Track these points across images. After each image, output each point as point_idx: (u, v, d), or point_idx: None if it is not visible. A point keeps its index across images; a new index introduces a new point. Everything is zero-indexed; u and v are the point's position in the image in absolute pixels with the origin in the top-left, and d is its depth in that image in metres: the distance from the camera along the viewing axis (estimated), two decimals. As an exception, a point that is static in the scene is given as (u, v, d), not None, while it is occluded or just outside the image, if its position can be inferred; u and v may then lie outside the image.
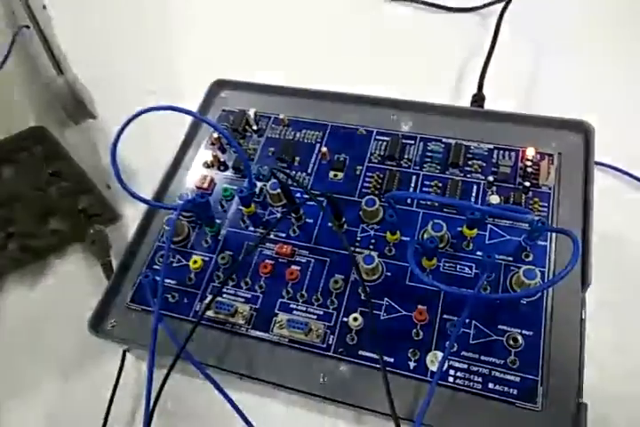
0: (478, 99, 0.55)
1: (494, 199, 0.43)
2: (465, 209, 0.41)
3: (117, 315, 0.44)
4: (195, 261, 0.44)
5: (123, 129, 0.39)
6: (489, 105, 0.53)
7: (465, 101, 0.55)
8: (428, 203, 0.45)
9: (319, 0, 0.72)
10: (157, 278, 0.42)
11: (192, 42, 0.71)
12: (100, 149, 0.61)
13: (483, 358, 0.38)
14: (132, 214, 0.57)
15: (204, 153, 0.51)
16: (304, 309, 0.42)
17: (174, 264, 0.45)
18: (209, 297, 0.43)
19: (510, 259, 0.42)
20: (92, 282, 0.53)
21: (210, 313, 0.41)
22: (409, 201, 0.46)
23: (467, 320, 0.39)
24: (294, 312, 0.42)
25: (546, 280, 0.40)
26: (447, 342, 0.39)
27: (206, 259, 0.45)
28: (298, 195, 0.47)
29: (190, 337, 0.36)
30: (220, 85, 0.55)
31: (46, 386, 0.48)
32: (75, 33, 0.71)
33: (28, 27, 0.56)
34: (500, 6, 0.63)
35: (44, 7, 0.73)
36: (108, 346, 0.45)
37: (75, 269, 0.55)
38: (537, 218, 0.38)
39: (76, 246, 0.56)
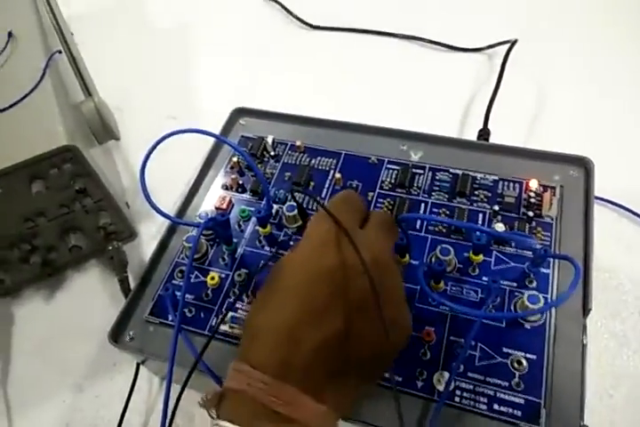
0: (484, 133, 0.58)
1: (499, 227, 0.45)
2: (471, 230, 0.43)
3: (136, 327, 0.45)
4: (212, 278, 0.46)
5: (153, 149, 0.41)
6: (494, 139, 0.56)
7: (471, 136, 0.58)
8: (437, 229, 0.48)
9: (336, 38, 0.76)
10: (177, 293, 0.44)
11: (213, 71, 0.74)
12: (119, 168, 0.64)
13: (488, 379, 0.40)
14: (148, 233, 0.59)
15: (223, 176, 0.54)
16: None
17: (192, 280, 0.47)
18: (224, 312, 0.44)
19: (514, 285, 0.44)
20: (108, 296, 0.55)
21: (225, 328, 0.43)
22: (418, 226, 0.48)
23: (473, 343, 0.41)
24: (307, 330, 0.43)
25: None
26: (454, 363, 0.40)
27: (223, 276, 0.47)
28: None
29: (206, 347, 0.37)
30: (239, 113, 0.58)
31: (60, 397, 0.49)
32: (99, 59, 0.75)
33: (60, 52, 0.59)
34: (502, 48, 0.67)
35: (72, 34, 0.77)
36: (122, 359, 0.47)
37: (92, 284, 0.57)
38: (540, 246, 0.40)
39: (93, 262, 0.58)
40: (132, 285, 0.51)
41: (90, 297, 0.55)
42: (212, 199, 0.52)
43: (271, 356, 0.31)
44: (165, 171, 0.61)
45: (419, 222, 0.48)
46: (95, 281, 0.57)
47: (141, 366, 0.48)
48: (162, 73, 0.75)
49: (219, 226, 0.44)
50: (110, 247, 0.55)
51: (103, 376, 0.50)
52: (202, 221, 0.47)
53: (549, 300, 0.43)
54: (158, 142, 0.41)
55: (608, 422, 0.40)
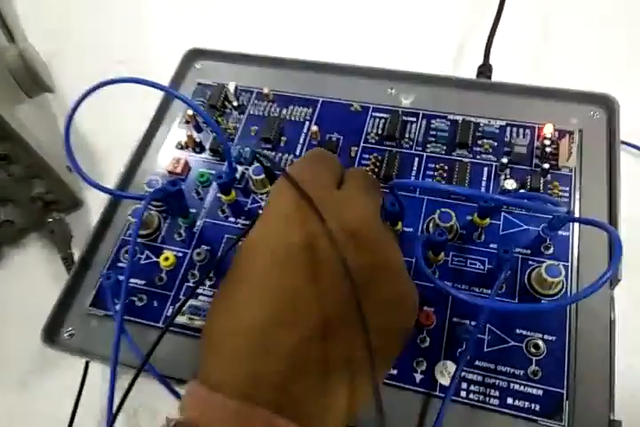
0: (485, 69, 0.49)
1: (510, 184, 0.37)
2: (486, 200, 0.35)
3: (76, 322, 0.38)
4: (166, 258, 0.38)
5: (79, 103, 0.32)
6: (497, 77, 0.48)
7: (470, 73, 0.49)
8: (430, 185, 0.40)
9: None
10: (122, 279, 0.36)
11: (164, 6, 0.63)
12: (59, 126, 0.54)
13: (499, 368, 0.33)
14: (97, 199, 0.51)
15: (177, 132, 0.45)
16: (293, 312, 0.36)
17: (142, 261, 0.39)
18: (182, 300, 0.37)
19: (528, 252, 0.37)
20: (52, 276, 0.48)
21: (183, 319, 0.35)
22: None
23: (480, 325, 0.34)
24: (281, 316, 0.36)
25: (570, 277, 0.35)
26: (459, 352, 0.34)
27: (179, 255, 0.39)
28: (284, 180, 0.41)
29: (153, 350, 0.30)
30: (194, 55, 0.48)
31: (1, 397, 0.42)
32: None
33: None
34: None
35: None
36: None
37: (33, 263, 0.49)
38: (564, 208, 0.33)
39: (34, 236, 0.50)
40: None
41: (31, 278, 0.48)
42: (164, 161, 0.43)
43: (235, 371, 0.24)
44: (113, 127, 0.53)
45: (412, 179, 0.40)
46: (36, 259, 0.49)
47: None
48: (104, 10, 0.64)
49: (169, 197, 0.36)
50: (50, 220, 0.47)
51: (50, 371, 0.43)
52: (150, 190, 0.39)
53: (570, 270, 0.36)
54: (86, 94, 0.33)
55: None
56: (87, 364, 0.40)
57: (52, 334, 0.37)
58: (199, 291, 0.37)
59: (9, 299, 0.47)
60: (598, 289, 0.26)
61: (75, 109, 0.33)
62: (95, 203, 0.50)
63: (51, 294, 0.42)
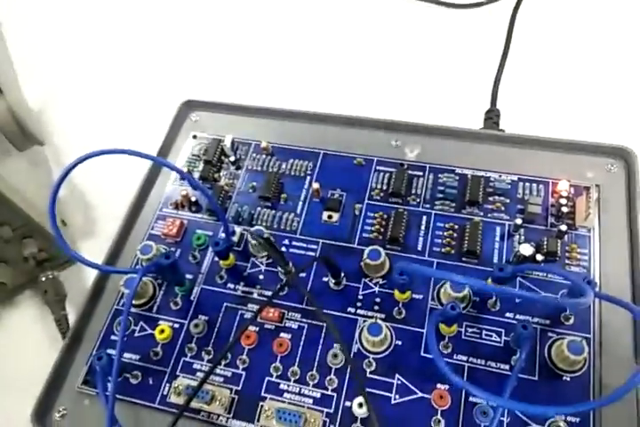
0: (493, 115, 0.47)
1: (526, 250, 0.35)
2: (514, 297, 0.33)
3: (67, 401, 0.35)
4: (162, 330, 0.36)
5: (63, 178, 0.31)
6: (505, 124, 0.46)
7: (477, 119, 0.47)
8: (444, 250, 0.38)
9: (303, 12, 0.63)
10: (113, 353, 0.34)
11: (160, 58, 0.61)
12: (51, 178, 0.52)
13: (521, 454, 0.31)
14: (92, 252, 0.48)
15: (172, 190, 0.43)
16: (296, 390, 0.34)
17: (136, 334, 0.37)
18: (179, 376, 0.35)
19: (547, 322, 0.34)
20: (46, 336, 0.46)
21: (180, 400, 0.33)
22: (420, 248, 0.38)
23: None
24: (285, 395, 0.34)
25: (592, 351, 0.33)
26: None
27: (176, 326, 0.37)
28: (286, 242, 0.39)
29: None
30: (190, 106, 0.46)
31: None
32: (28, 50, 0.62)
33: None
34: (507, 1, 0.55)
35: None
36: None
37: (26, 323, 0.47)
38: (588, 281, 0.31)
39: (28, 294, 0.48)
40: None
41: (24, 339, 0.46)
42: (159, 223, 0.41)
43: None
44: (109, 178, 0.51)
45: (420, 241, 0.38)
46: (30, 319, 0.47)
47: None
48: (97, 60, 0.62)
49: (164, 270, 0.34)
50: (43, 279, 0.45)
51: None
52: (144, 258, 0.37)
53: (592, 344, 0.33)
54: (70, 168, 0.31)
55: None
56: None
57: (42, 415, 0.35)
58: (196, 366, 0.35)
59: (3, 359, 0.45)
60: (630, 390, 0.24)
61: (59, 184, 0.31)
62: (91, 256, 0.48)
63: (44, 357, 0.40)
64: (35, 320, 0.47)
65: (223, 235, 0.38)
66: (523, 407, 0.26)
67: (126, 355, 0.36)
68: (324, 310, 0.36)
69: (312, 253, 0.39)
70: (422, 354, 0.34)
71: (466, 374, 0.33)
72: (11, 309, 0.48)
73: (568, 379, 0.33)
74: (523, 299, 0.35)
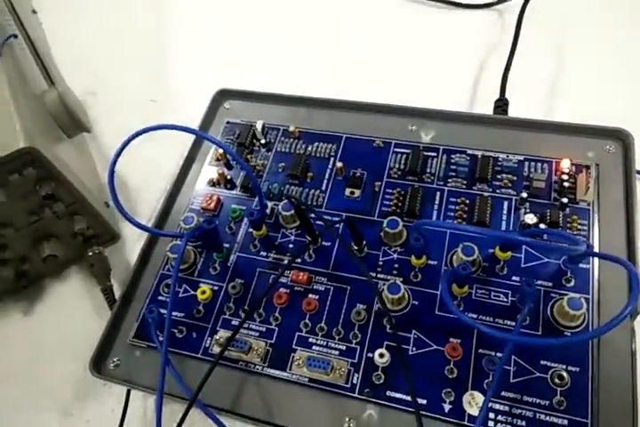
0: (502, 104, 0.51)
1: (530, 218, 0.39)
2: (510, 241, 0.37)
3: (120, 353, 0.40)
4: (203, 291, 0.40)
5: (120, 152, 0.35)
6: (513, 112, 0.49)
7: (487, 108, 0.51)
8: (456, 221, 0.41)
9: (327, 4, 0.68)
10: (163, 312, 0.38)
11: (195, 49, 0.66)
12: (96, 163, 0.57)
13: (525, 398, 0.35)
14: (133, 233, 0.53)
15: (208, 170, 0.47)
16: (324, 343, 0.38)
17: (180, 295, 0.41)
18: (220, 331, 0.39)
19: (550, 284, 0.38)
20: (93, 308, 0.50)
21: (219, 350, 0.37)
22: (434, 218, 0.42)
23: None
24: (314, 348, 0.38)
25: (591, 309, 0.37)
26: (486, 383, 0.35)
27: (215, 288, 0.41)
28: (312, 215, 0.43)
29: (202, 387, 0.32)
30: (223, 95, 0.51)
31: (46, 425, 0.44)
32: (67, 41, 0.67)
33: (15, 36, 0.52)
34: (516, 1, 0.59)
35: (34, 12, 0.70)
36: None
37: (74, 294, 0.51)
38: (584, 243, 0.34)
39: (74, 269, 0.53)
40: (118, 294, 0.45)
41: (73, 309, 0.50)
42: (198, 198, 0.46)
43: None
44: (147, 165, 0.55)
45: (435, 214, 0.42)
46: (78, 291, 0.51)
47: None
48: (136, 53, 0.67)
49: (205, 235, 0.38)
50: (90, 253, 0.49)
51: (93, 399, 0.45)
52: (187, 227, 0.41)
53: (591, 302, 0.37)
54: (125, 144, 0.36)
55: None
56: (129, 392, 0.42)
57: (99, 364, 0.39)
58: (234, 322, 0.39)
59: (52, 329, 0.49)
60: (618, 324, 0.27)
61: (116, 158, 0.36)
62: (131, 236, 0.52)
63: (92, 325, 0.45)
64: (81, 292, 0.51)
65: (257, 207, 0.42)
66: (525, 339, 0.30)
67: (172, 313, 0.40)
68: (350, 275, 0.40)
69: (335, 227, 0.42)
70: (437, 312, 0.38)
71: (476, 331, 0.37)
72: (59, 282, 0.53)
73: (569, 334, 0.36)
74: (534, 247, 0.39)
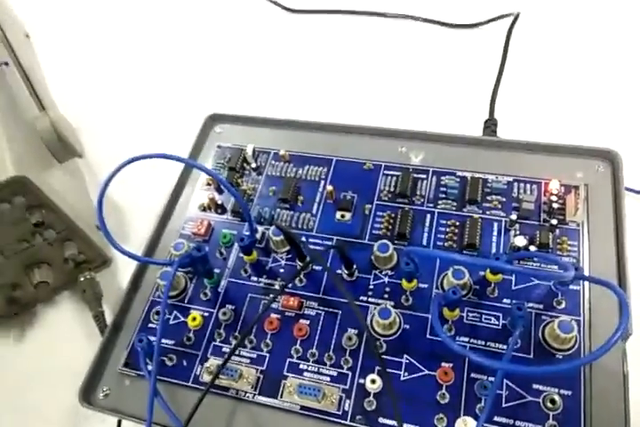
0: (491, 124, 0.51)
1: (520, 241, 0.39)
2: (501, 271, 0.37)
3: (110, 382, 0.40)
4: (193, 318, 0.40)
5: (108, 182, 0.35)
6: (502, 132, 0.50)
7: (477, 128, 0.51)
8: (446, 244, 0.42)
9: (316, 28, 0.68)
10: (153, 339, 0.38)
11: (186, 74, 0.67)
12: (88, 187, 0.57)
13: (518, 423, 0.34)
14: (125, 258, 0.53)
15: (199, 194, 0.47)
16: (315, 370, 0.38)
17: (171, 322, 0.41)
18: (210, 358, 0.39)
19: (541, 306, 0.38)
20: (85, 333, 0.50)
21: (209, 378, 0.37)
22: (425, 242, 0.42)
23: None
24: (305, 374, 0.38)
25: (583, 331, 0.37)
26: (479, 408, 0.35)
27: (206, 314, 0.41)
28: (303, 239, 0.43)
29: (191, 418, 0.32)
30: (214, 119, 0.51)
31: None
32: (60, 65, 0.68)
33: (7, 64, 0.52)
34: (503, 22, 0.60)
35: (27, 36, 0.70)
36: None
37: (66, 320, 0.51)
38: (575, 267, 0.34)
39: (66, 294, 0.53)
40: (110, 319, 0.45)
41: (64, 335, 0.50)
42: (189, 223, 0.46)
43: None
44: (138, 190, 0.55)
45: (425, 237, 0.42)
46: (69, 317, 0.51)
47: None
48: (127, 78, 0.67)
49: (195, 262, 0.38)
50: (82, 279, 0.50)
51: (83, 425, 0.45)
52: (177, 253, 0.41)
53: (582, 325, 0.37)
54: (115, 172, 0.36)
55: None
56: (119, 422, 0.42)
57: (88, 394, 0.39)
58: (225, 349, 0.39)
59: (44, 356, 0.49)
60: (609, 350, 0.27)
61: (105, 186, 0.36)
62: (124, 259, 0.52)
63: (84, 351, 0.45)
64: (73, 318, 0.52)
65: (247, 233, 0.42)
66: (516, 368, 0.30)
67: (162, 340, 0.40)
68: (338, 299, 0.40)
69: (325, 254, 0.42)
70: (428, 336, 0.38)
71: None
72: (51, 308, 0.52)
73: (560, 357, 0.36)
74: (519, 274, 0.39)
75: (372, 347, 0.37)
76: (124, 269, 0.53)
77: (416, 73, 0.60)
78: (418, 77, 0.60)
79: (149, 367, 0.36)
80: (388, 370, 0.37)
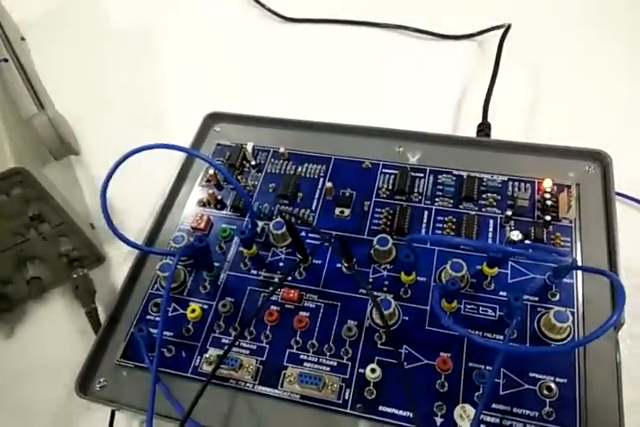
0: (485, 127, 0.52)
1: (515, 235, 0.40)
2: (501, 253, 0.38)
3: (107, 373, 0.39)
4: (193, 310, 0.40)
5: (112, 172, 0.35)
6: (495, 135, 0.51)
7: (470, 131, 0.52)
8: (444, 239, 0.42)
9: (315, 31, 0.70)
10: (152, 331, 0.38)
11: (185, 73, 0.68)
12: (82, 185, 0.57)
13: (515, 410, 0.35)
14: (119, 255, 0.53)
15: (198, 190, 0.48)
16: (315, 360, 0.38)
17: (170, 314, 0.41)
18: (209, 349, 0.39)
19: (536, 299, 0.39)
20: (76, 330, 0.49)
21: (211, 368, 0.37)
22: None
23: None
24: (305, 364, 0.38)
25: (577, 321, 0.38)
26: (477, 396, 0.35)
27: (205, 307, 0.41)
28: (303, 234, 0.44)
29: (194, 405, 0.32)
30: (214, 118, 0.52)
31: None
32: (56, 66, 0.68)
33: (6, 60, 0.52)
34: (495, 33, 0.62)
35: (23, 39, 0.71)
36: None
37: (57, 317, 0.50)
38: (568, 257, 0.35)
39: (58, 291, 0.52)
40: (102, 317, 0.45)
41: (56, 332, 0.49)
42: (187, 218, 0.46)
43: None
44: (136, 186, 0.55)
45: (423, 231, 0.43)
46: (61, 313, 0.50)
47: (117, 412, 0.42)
48: (126, 78, 0.68)
49: (196, 252, 0.38)
50: (75, 275, 0.49)
51: (76, 424, 0.44)
52: (177, 246, 0.42)
53: (576, 315, 0.38)
54: (119, 163, 0.36)
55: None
56: (112, 415, 0.41)
57: (85, 385, 0.38)
58: (224, 341, 0.39)
59: (35, 352, 0.48)
60: (603, 334, 0.28)
61: (109, 178, 0.36)
62: (116, 258, 0.52)
63: (75, 348, 0.44)
64: (65, 315, 0.51)
65: (249, 225, 0.43)
66: (516, 349, 0.31)
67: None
68: (340, 292, 0.40)
69: (326, 244, 0.43)
70: (427, 327, 0.38)
71: (465, 345, 0.38)
72: (43, 304, 0.52)
73: (555, 346, 0.37)
74: (523, 256, 0.40)
75: (376, 335, 0.38)
76: (118, 268, 0.52)
77: (414, 80, 0.62)
78: (415, 84, 0.61)
79: (151, 358, 0.36)
80: (389, 360, 0.37)
